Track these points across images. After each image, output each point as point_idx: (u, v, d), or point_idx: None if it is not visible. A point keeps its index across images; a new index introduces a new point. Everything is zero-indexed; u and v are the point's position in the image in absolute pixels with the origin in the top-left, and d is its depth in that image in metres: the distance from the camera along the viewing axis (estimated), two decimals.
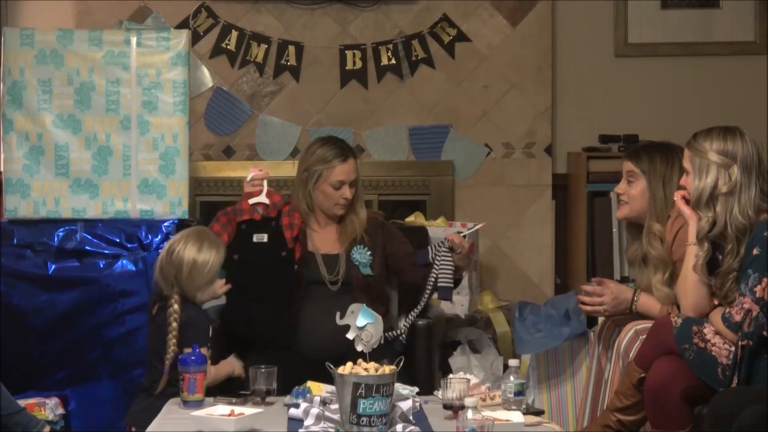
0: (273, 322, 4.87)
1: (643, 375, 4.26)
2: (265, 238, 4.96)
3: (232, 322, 4.93)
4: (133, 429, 4.40)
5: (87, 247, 5.29)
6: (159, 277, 4.58)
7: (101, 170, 5.31)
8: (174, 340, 4.48)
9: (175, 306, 4.50)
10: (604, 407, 4.52)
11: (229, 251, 4.94)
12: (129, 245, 5.26)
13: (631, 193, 4.72)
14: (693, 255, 4.29)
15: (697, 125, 4.48)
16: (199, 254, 4.55)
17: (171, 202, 5.30)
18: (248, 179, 5.04)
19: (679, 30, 6.61)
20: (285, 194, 5.13)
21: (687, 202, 4.34)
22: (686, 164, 4.31)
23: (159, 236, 5.27)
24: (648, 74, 6.61)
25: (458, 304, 4.97)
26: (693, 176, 4.27)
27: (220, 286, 4.73)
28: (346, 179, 4.97)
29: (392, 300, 5.22)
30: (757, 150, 4.25)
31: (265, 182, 5.01)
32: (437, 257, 4.89)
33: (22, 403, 4.71)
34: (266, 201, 4.98)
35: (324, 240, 5.03)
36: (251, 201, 4.99)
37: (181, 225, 5.19)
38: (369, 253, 4.99)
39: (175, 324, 4.48)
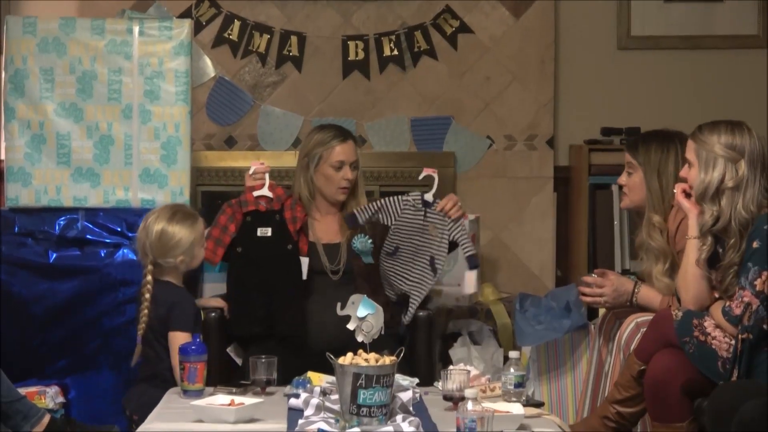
0: (279, 318, 4.86)
1: (643, 367, 4.26)
2: (269, 232, 4.96)
3: (237, 318, 4.92)
4: (136, 417, 4.41)
5: (88, 236, 5.30)
6: (136, 248, 4.70)
7: (103, 159, 5.31)
8: (146, 311, 4.54)
9: (148, 277, 4.57)
10: (604, 399, 4.52)
11: (233, 244, 4.95)
12: (130, 234, 5.27)
13: (630, 184, 4.75)
14: (693, 248, 4.29)
15: (699, 118, 4.47)
16: (168, 225, 4.61)
17: (172, 191, 5.30)
18: (250, 173, 5.04)
19: (681, 23, 6.60)
20: (286, 185, 5.13)
21: (687, 195, 4.34)
22: (690, 156, 4.30)
23: None
24: (650, 67, 6.61)
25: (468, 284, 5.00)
26: (698, 169, 4.25)
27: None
28: (346, 159, 4.97)
29: None
30: (762, 145, 4.24)
31: (267, 175, 5.02)
32: (457, 236, 4.90)
33: (22, 391, 4.72)
34: (269, 194, 4.99)
35: (325, 230, 5.03)
36: (255, 194, 4.99)
37: None
38: (370, 241, 4.99)
39: (147, 295, 4.55)
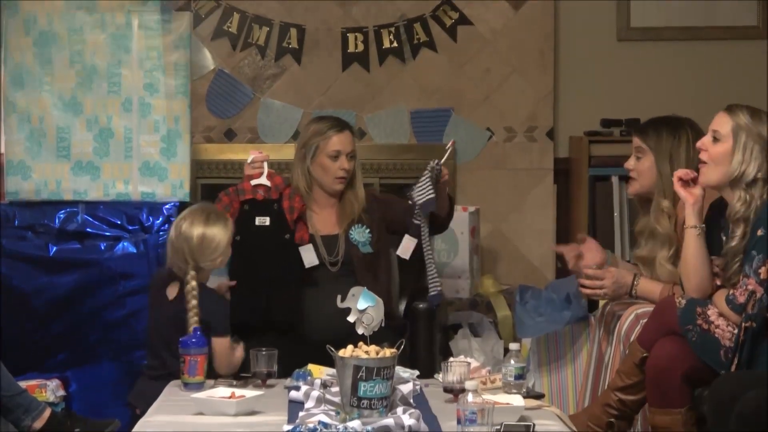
0: (276, 307, 4.87)
1: (645, 354, 4.26)
2: (267, 221, 4.96)
3: (234, 307, 4.92)
4: (138, 412, 4.40)
5: (88, 229, 5.30)
6: (173, 257, 4.54)
7: (103, 152, 5.31)
8: (195, 318, 4.42)
9: (193, 283, 4.46)
10: (606, 387, 4.52)
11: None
12: (130, 227, 5.27)
13: (640, 168, 4.72)
14: (691, 237, 4.28)
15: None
16: (206, 228, 4.54)
17: (172, 184, 5.31)
18: (248, 161, 5.04)
19: (681, 14, 6.59)
20: (285, 177, 5.13)
21: (685, 183, 4.32)
22: (724, 130, 4.23)
23: (160, 219, 5.28)
24: (650, 58, 6.60)
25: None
26: (733, 149, 4.20)
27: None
28: (342, 149, 4.97)
29: (393, 280, 5.21)
30: None
31: (265, 164, 5.02)
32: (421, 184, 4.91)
33: (23, 384, 4.72)
34: (267, 183, 4.99)
35: (323, 222, 5.03)
36: (253, 182, 4.99)
37: (182, 207, 5.19)
38: (368, 231, 4.99)
39: (194, 302, 4.43)
